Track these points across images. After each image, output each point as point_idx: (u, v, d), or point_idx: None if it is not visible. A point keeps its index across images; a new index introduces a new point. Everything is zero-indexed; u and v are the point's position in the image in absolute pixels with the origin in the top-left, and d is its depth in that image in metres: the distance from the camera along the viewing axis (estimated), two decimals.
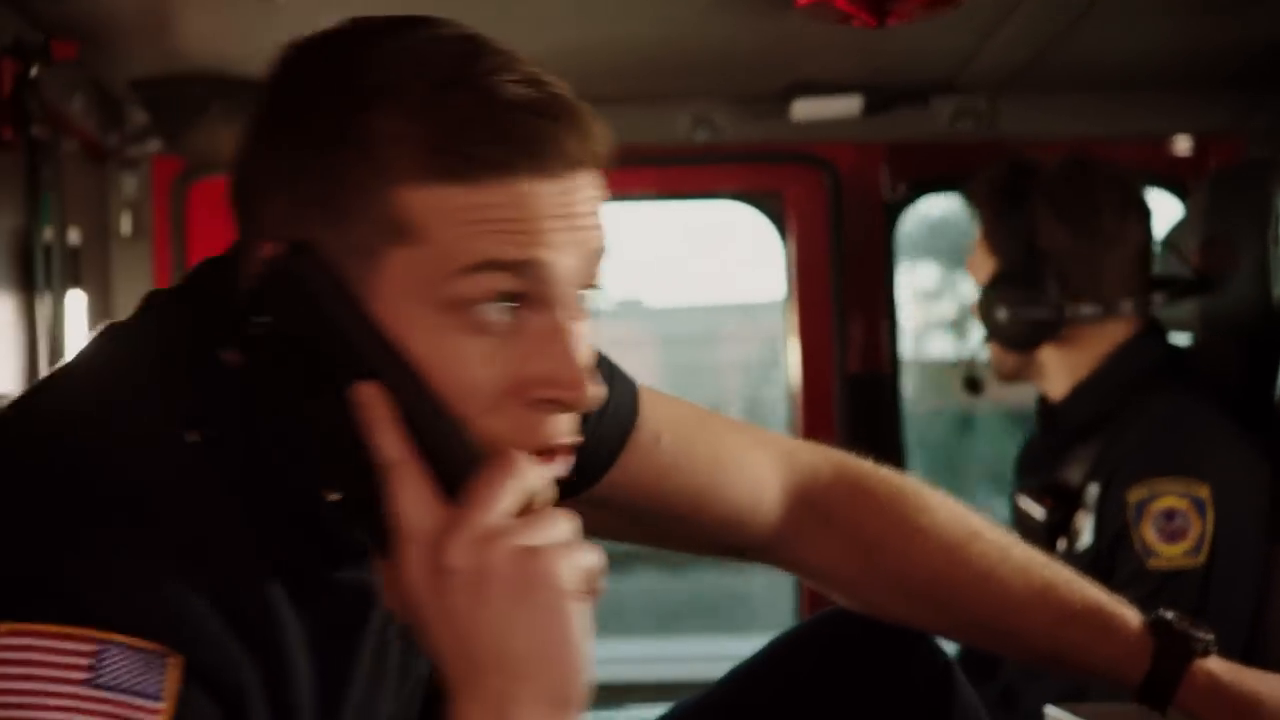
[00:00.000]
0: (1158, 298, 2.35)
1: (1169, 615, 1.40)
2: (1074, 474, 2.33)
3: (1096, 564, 2.22)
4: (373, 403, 0.97)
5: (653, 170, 2.92)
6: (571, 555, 0.97)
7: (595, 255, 1.01)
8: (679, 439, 1.34)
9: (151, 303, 1.09)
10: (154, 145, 2.67)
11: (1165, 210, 2.70)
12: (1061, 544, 2.30)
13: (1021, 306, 2.34)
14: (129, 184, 2.73)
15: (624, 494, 1.31)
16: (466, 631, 0.94)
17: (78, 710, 0.88)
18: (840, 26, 2.20)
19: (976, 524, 1.43)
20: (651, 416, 1.32)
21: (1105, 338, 2.34)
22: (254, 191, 1.01)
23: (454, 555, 0.94)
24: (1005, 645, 1.48)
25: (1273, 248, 2.21)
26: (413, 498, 0.96)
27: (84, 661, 0.88)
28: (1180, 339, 2.54)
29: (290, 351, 0.99)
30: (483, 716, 0.93)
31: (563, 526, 0.97)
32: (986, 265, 2.41)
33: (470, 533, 0.94)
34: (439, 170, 0.96)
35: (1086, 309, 2.30)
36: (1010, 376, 2.47)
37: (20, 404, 1.04)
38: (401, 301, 0.97)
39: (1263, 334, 2.33)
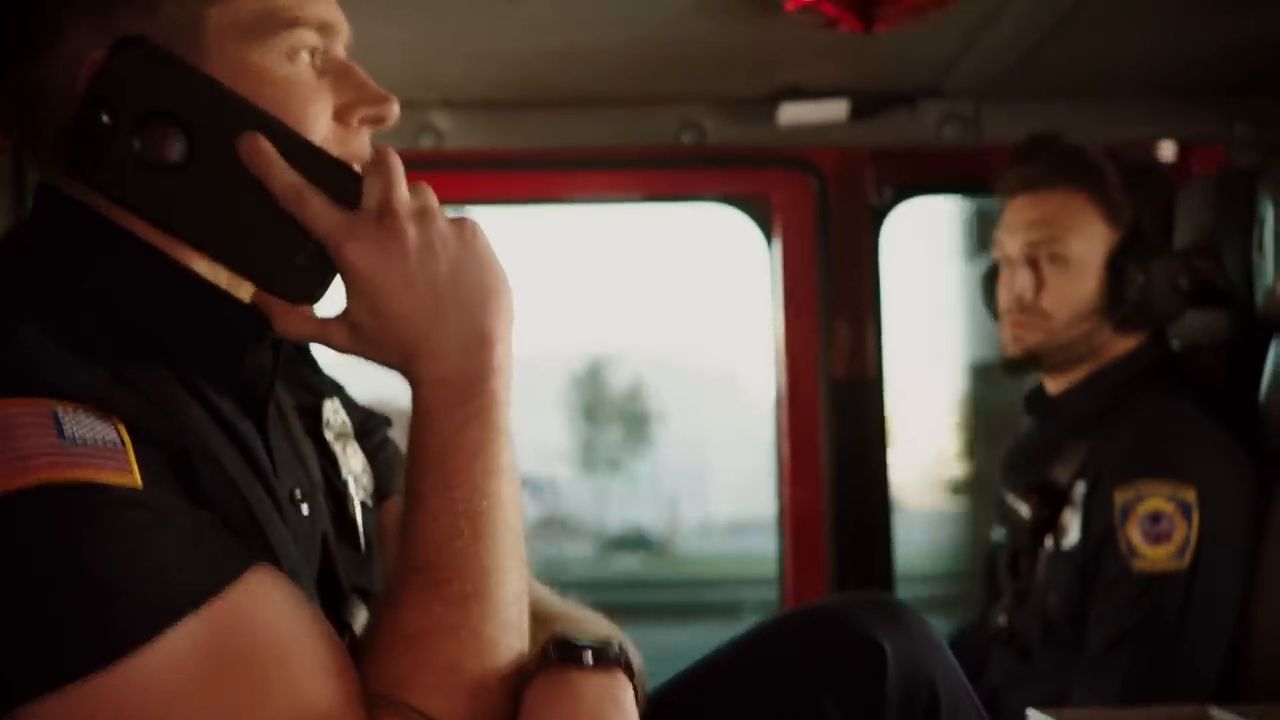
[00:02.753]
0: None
1: None
2: (1062, 471, 2.32)
3: (1083, 563, 2.23)
4: (258, 147, 1.10)
5: (638, 173, 2.93)
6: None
7: None
8: None
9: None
10: None
11: None
12: (1049, 542, 2.30)
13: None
14: None
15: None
16: (430, 282, 1.11)
17: (62, 456, 0.99)
18: (827, 31, 2.21)
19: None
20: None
21: (1126, 337, 2.35)
22: (41, 42, 1.11)
23: (405, 230, 1.10)
24: None
25: (1256, 255, 2.22)
26: (320, 208, 1.11)
27: (49, 423, 1.00)
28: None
29: (131, 143, 1.07)
30: (464, 340, 1.11)
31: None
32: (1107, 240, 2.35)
33: (406, 209, 1.11)
34: None
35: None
36: (1037, 364, 2.39)
37: None
38: (230, 59, 1.11)
39: (1247, 340, 2.34)
